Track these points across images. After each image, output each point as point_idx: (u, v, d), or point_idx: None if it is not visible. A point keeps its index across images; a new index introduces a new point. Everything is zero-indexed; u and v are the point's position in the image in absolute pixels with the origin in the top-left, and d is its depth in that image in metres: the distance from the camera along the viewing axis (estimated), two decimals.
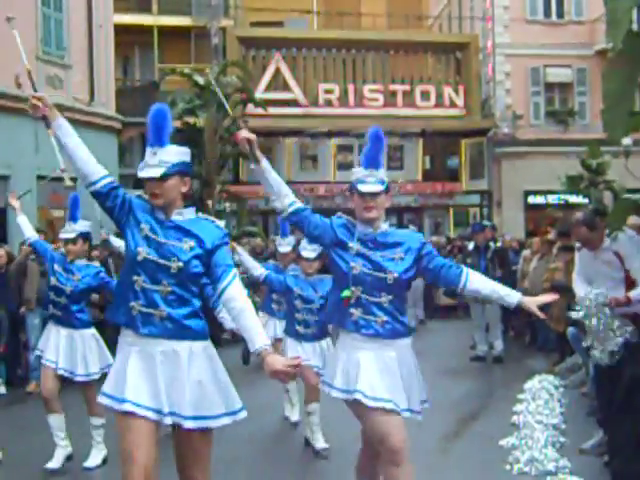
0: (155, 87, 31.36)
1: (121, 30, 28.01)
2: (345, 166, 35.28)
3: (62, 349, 8.88)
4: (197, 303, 5.06)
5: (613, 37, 12.24)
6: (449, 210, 35.56)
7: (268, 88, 33.17)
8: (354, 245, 5.46)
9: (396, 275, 5.41)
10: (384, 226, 5.64)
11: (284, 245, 10.10)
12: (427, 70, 35.20)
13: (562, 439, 9.77)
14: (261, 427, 10.12)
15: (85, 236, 9.14)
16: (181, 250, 4.92)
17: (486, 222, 24.03)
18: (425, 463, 9.43)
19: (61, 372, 8.82)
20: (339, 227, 5.63)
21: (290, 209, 5.66)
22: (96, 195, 5.04)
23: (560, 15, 35.38)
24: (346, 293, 5.38)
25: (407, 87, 34.61)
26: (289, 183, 23.36)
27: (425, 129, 34.52)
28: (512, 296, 5.57)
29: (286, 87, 33.70)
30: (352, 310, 5.41)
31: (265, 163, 5.56)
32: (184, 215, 5.08)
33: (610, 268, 8.09)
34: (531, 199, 33.97)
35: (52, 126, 5.07)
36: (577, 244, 8.78)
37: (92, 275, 9.04)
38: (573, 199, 25.29)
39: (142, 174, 4.98)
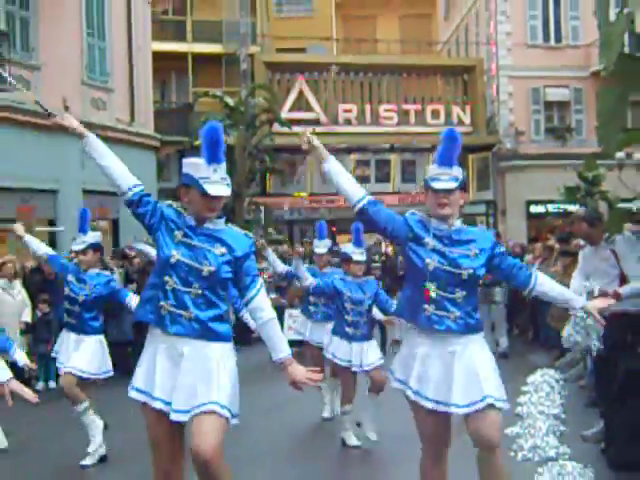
0: (189, 109, 31.41)
1: (158, 57, 28.03)
2: (363, 179, 35.32)
3: (72, 352, 8.78)
4: (224, 307, 4.97)
5: (606, 59, 12.16)
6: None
7: (292, 108, 33.24)
8: (430, 241, 5.10)
9: (471, 271, 5.07)
10: (457, 223, 5.23)
11: (321, 247, 9.80)
12: (437, 91, 35.21)
13: (562, 428, 9.75)
14: (290, 421, 9.94)
15: (95, 247, 8.96)
16: (213, 255, 4.85)
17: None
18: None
19: (69, 370, 8.63)
20: (415, 223, 5.23)
21: (358, 205, 5.27)
22: (128, 204, 4.99)
23: (558, 40, 35.29)
24: (429, 286, 5.05)
25: (419, 107, 34.66)
26: (312, 195, 23.43)
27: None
28: (577, 300, 5.34)
29: (308, 107, 33.76)
30: (426, 306, 5.06)
31: (331, 162, 5.40)
32: (216, 224, 5.00)
33: (607, 264, 8.31)
34: (533, 208, 33.91)
35: (83, 142, 5.05)
36: (581, 242, 8.93)
37: (103, 284, 8.87)
38: (571, 208, 25.18)
39: (213, 192, 4.82)
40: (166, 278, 4.84)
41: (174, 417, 4.67)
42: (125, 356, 15.84)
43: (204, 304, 4.85)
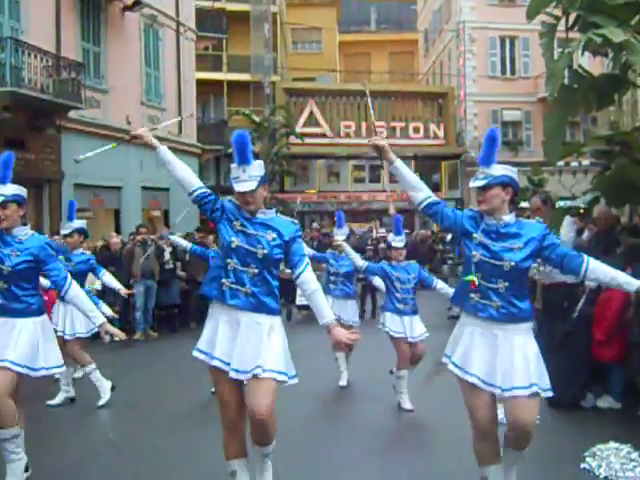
0: (224, 124, 31.43)
1: (201, 83, 28.11)
2: (359, 180, 35.43)
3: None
4: (275, 283, 4.82)
5: (551, 89, 12.18)
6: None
7: (304, 124, 33.26)
8: (477, 235, 4.56)
9: (513, 263, 4.42)
10: (506, 218, 4.57)
11: (339, 234, 9.22)
12: (417, 112, 35.15)
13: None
14: (311, 390, 9.46)
15: (80, 231, 8.63)
16: (266, 240, 4.72)
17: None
18: (415, 392, 9.39)
19: (60, 334, 8.01)
20: (467, 219, 4.68)
21: (423, 204, 4.84)
22: (194, 201, 4.90)
23: (512, 72, 35.35)
24: (469, 277, 4.54)
25: (403, 124, 34.71)
26: (320, 192, 23.29)
27: (416, 154, 34.41)
28: (631, 283, 4.46)
29: (317, 124, 33.78)
30: (472, 294, 4.55)
31: (399, 163, 5.02)
32: (266, 214, 4.85)
33: None
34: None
35: (157, 152, 4.92)
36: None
37: (84, 261, 8.60)
38: (521, 204, 25.10)
39: (239, 189, 4.73)
40: (228, 260, 4.72)
41: (233, 375, 4.55)
42: (172, 317, 15.96)
43: (259, 282, 4.72)
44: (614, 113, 17.19)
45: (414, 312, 8.43)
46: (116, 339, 6.23)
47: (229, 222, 4.81)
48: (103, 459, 6.76)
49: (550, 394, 4.50)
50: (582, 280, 5.18)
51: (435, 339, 12.58)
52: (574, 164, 25.16)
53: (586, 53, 12.14)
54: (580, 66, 12.03)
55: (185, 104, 25.28)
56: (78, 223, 8.54)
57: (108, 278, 9.41)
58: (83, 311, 5.70)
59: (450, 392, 8.71)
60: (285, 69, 36.80)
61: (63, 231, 8.54)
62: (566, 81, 11.74)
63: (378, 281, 9.01)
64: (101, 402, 8.49)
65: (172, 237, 10.04)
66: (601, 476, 5.68)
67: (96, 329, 6.14)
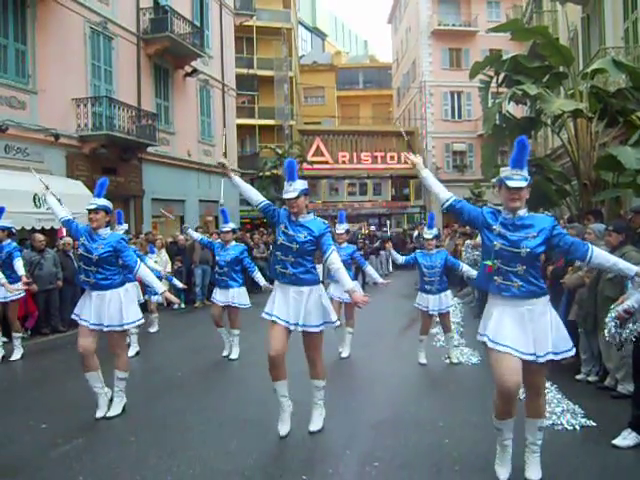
0: (256, 155, 31.45)
1: (239, 126, 28.09)
2: (352, 193, 35.42)
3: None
4: (309, 265, 4.95)
5: (486, 128, 12.06)
6: (404, 215, 35.60)
7: (313, 155, 33.09)
8: (497, 227, 4.00)
9: (528, 250, 3.88)
10: (521, 212, 3.99)
11: (340, 229, 8.42)
12: (393, 145, 34.90)
13: (461, 329, 9.72)
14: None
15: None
16: (299, 238, 4.86)
17: (423, 221, 24.06)
18: (392, 342, 9.35)
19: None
20: (488, 214, 4.11)
21: (447, 203, 4.27)
22: (260, 211, 5.10)
23: (460, 116, 35.18)
24: (488, 262, 4.05)
25: (382, 153, 34.46)
26: (324, 202, 23.07)
27: (392, 174, 34.42)
28: (631, 269, 4.00)
29: (322, 154, 33.62)
30: (495, 277, 3.97)
31: (426, 173, 4.48)
32: (305, 217, 4.97)
33: None
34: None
35: (231, 179, 5.13)
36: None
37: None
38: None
39: (286, 196, 4.88)
40: (277, 253, 4.94)
41: (290, 327, 4.85)
42: None
43: (297, 265, 4.86)
44: (531, 144, 17.15)
45: (440, 291, 7.70)
46: (175, 306, 6.11)
47: (279, 225, 4.98)
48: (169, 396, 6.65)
49: (570, 354, 4.00)
50: (588, 265, 4.46)
51: (406, 304, 12.75)
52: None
53: (511, 102, 12.11)
54: (507, 112, 12.02)
55: (229, 141, 25.21)
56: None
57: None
58: (149, 283, 5.70)
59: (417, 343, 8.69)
60: (299, 116, 36.73)
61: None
62: (497, 122, 11.71)
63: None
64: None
65: (188, 231, 9.41)
66: None
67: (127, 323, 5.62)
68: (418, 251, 8.01)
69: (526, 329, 3.90)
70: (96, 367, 5.59)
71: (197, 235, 9.22)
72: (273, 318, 4.88)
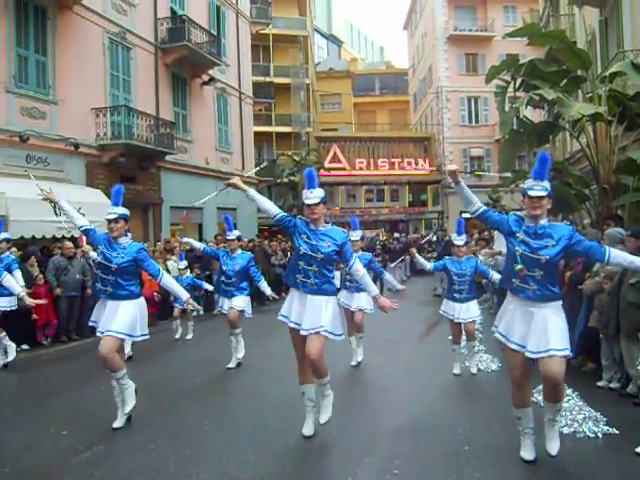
0: (274, 162, 31.47)
1: (257, 134, 28.14)
2: (369, 199, 35.36)
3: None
4: (331, 275, 4.99)
5: (503, 132, 11.98)
6: (422, 221, 35.48)
7: (330, 161, 33.12)
8: (520, 235, 4.27)
9: (548, 257, 4.16)
10: (542, 221, 4.25)
11: (354, 236, 7.94)
12: (410, 151, 34.97)
13: (480, 335, 9.63)
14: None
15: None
16: (324, 247, 4.88)
17: (440, 227, 23.94)
18: (410, 348, 9.31)
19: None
20: (513, 222, 4.37)
21: (478, 211, 4.52)
22: (276, 222, 5.08)
23: (477, 121, 35.09)
24: (518, 267, 4.24)
25: (400, 159, 34.43)
26: (342, 209, 23.07)
27: (409, 180, 34.41)
28: None
29: (339, 161, 33.61)
30: (514, 279, 4.27)
31: (462, 183, 4.52)
32: (325, 227, 5.02)
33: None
34: (464, 215, 33.47)
35: (247, 194, 5.15)
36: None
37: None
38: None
39: (308, 202, 4.93)
40: (299, 262, 4.93)
41: (303, 332, 4.85)
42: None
43: (320, 276, 4.89)
44: (550, 149, 17.06)
45: (468, 299, 7.45)
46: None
47: (299, 235, 4.98)
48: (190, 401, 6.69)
49: (569, 354, 4.17)
50: (606, 264, 4.64)
51: (425, 311, 12.69)
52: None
53: (529, 106, 12.05)
54: (525, 116, 11.94)
55: (246, 149, 25.36)
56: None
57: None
58: (174, 292, 5.72)
59: (438, 348, 8.62)
60: (316, 123, 36.81)
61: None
62: (514, 127, 11.65)
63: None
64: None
65: (185, 239, 9.15)
66: None
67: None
68: (447, 258, 7.75)
69: (530, 327, 4.20)
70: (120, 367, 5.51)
71: (199, 244, 8.87)
72: (291, 324, 4.94)
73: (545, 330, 4.15)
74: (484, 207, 4.54)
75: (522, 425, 4.43)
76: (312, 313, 4.87)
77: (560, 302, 4.30)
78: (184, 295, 5.70)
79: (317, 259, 4.89)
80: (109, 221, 5.53)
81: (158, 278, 5.59)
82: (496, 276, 7.56)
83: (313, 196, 4.93)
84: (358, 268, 5.00)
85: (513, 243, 4.33)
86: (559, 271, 4.74)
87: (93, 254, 6.14)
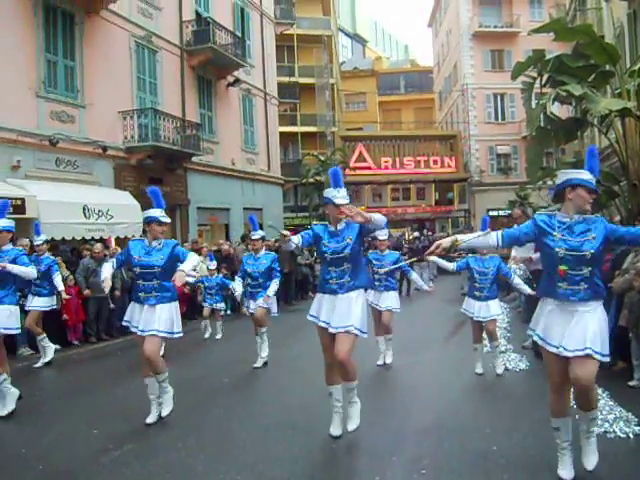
0: (299, 162, 31.58)
1: (282, 134, 28.20)
2: (395, 198, 35.19)
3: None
4: (362, 266, 5.00)
5: (530, 129, 11.88)
6: (448, 220, 35.23)
7: (356, 161, 33.10)
8: (557, 234, 3.96)
9: (593, 251, 3.85)
10: (576, 216, 3.98)
11: (382, 235, 7.92)
12: (436, 149, 34.70)
13: (508, 335, 9.55)
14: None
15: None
16: (347, 244, 4.84)
17: (467, 226, 23.80)
18: (436, 348, 9.26)
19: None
20: (542, 222, 4.05)
21: (499, 242, 4.20)
22: (307, 247, 5.36)
23: (503, 118, 34.72)
24: (563, 267, 3.91)
25: (425, 158, 34.20)
26: (367, 208, 23.02)
27: (435, 179, 34.20)
28: None
29: (364, 160, 33.55)
30: (559, 284, 3.93)
31: (465, 242, 4.25)
32: (344, 225, 4.92)
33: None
34: (491, 213, 33.32)
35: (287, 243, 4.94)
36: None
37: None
38: (512, 212, 24.67)
39: (338, 202, 4.80)
40: (329, 268, 4.91)
41: (331, 330, 4.80)
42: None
43: (354, 270, 4.88)
44: (577, 145, 16.82)
45: (489, 298, 7.32)
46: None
47: (321, 242, 4.96)
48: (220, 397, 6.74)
49: (606, 359, 3.89)
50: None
51: (451, 309, 12.62)
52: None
53: (556, 103, 11.90)
54: (552, 112, 11.78)
55: (271, 149, 25.45)
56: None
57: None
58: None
59: (465, 342, 8.57)
60: (341, 122, 36.81)
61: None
62: (541, 124, 11.51)
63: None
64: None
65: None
66: None
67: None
68: (470, 255, 7.65)
69: (569, 325, 3.91)
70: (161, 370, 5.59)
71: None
72: (320, 324, 4.92)
73: (585, 329, 3.87)
74: (499, 236, 4.22)
75: (560, 438, 4.09)
76: (342, 311, 4.82)
77: (602, 300, 4.03)
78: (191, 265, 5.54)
79: (345, 257, 4.86)
80: (162, 223, 5.58)
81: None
82: (517, 281, 7.55)
83: (341, 196, 4.87)
84: (377, 217, 4.79)
85: (550, 245, 3.99)
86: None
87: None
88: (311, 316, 5.02)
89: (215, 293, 11.15)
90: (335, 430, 4.99)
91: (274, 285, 8.10)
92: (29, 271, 6.25)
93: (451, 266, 7.72)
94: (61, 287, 8.70)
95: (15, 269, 6.09)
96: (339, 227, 4.95)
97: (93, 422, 5.65)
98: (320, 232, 5.00)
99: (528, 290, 7.44)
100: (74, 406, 6.45)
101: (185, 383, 7.05)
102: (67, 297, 8.34)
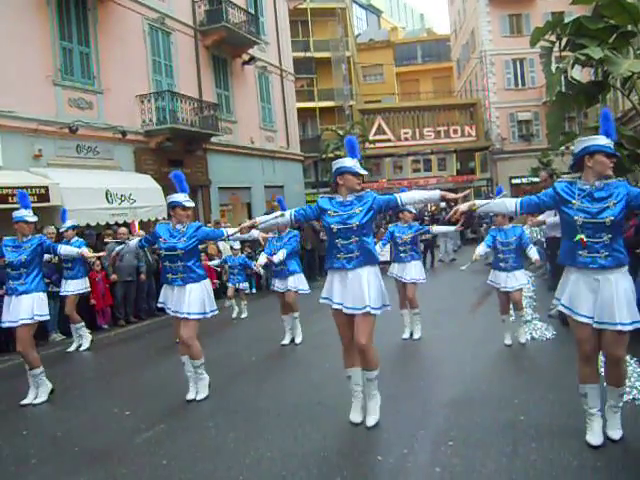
0: (318, 138, 31.44)
1: (300, 110, 28.14)
2: (416, 170, 34.94)
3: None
4: (371, 241, 4.66)
5: (550, 95, 11.66)
6: (471, 189, 34.91)
7: (375, 134, 32.95)
8: (576, 202, 3.91)
9: (612, 218, 3.79)
10: (597, 182, 3.92)
11: (413, 207, 7.92)
12: (455, 118, 34.32)
13: (534, 304, 9.48)
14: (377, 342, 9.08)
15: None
16: (355, 214, 4.57)
17: (488, 195, 23.63)
18: (462, 320, 9.25)
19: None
20: (562, 190, 4.00)
21: (518, 208, 4.22)
22: (297, 222, 5.15)
23: (523, 84, 34.15)
24: (578, 237, 3.88)
25: (446, 127, 33.90)
26: (389, 180, 22.86)
27: (456, 149, 33.84)
28: None
29: (384, 132, 33.36)
30: (580, 252, 3.89)
31: (482, 206, 4.44)
32: (360, 193, 4.65)
33: None
34: (513, 181, 33.02)
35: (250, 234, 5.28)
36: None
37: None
38: (535, 179, 24.45)
39: (361, 172, 4.63)
40: (336, 240, 4.63)
41: (346, 311, 4.57)
42: None
43: (362, 244, 4.60)
44: (600, 109, 16.47)
45: (515, 268, 7.26)
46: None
47: (326, 214, 4.70)
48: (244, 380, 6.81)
49: (638, 325, 3.82)
50: None
51: (476, 280, 12.56)
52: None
53: (576, 66, 11.66)
54: (572, 77, 11.55)
55: (290, 125, 25.36)
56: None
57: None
58: (241, 237, 5.99)
59: (489, 316, 8.54)
60: (358, 95, 36.49)
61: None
62: (562, 88, 11.30)
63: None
64: None
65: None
66: None
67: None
68: (492, 227, 7.57)
69: (597, 297, 3.87)
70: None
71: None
72: (335, 306, 4.68)
73: (612, 299, 3.81)
74: (518, 202, 4.25)
75: (588, 404, 4.08)
76: (355, 290, 4.57)
77: (627, 267, 3.95)
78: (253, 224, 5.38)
79: (353, 228, 4.57)
80: (186, 208, 5.66)
81: (225, 235, 5.85)
82: (532, 251, 7.45)
83: (359, 166, 4.70)
84: (407, 195, 4.70)
85: (569, 213, 3.96)
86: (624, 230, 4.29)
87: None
88: (323, 298, 4.80)
89: (237, 273, 11.24)
90: (355, 417, 4.80)
91: (281, 253, 8.04)
92: (74, 250, 7.04)
93: (482, 249, 7.40)
94: (75, 249, 7.50)
95: (67, 249, 6.78)
96: (349, 197, 4.68)
97: (125, 404, 5.77)
98: (324, 204, 4.73)
99: (536, 256, 7.45)
100: (106, 389, 6.60)
101: (213, 362, 7.12)
102: (91, 255, 7.83)
